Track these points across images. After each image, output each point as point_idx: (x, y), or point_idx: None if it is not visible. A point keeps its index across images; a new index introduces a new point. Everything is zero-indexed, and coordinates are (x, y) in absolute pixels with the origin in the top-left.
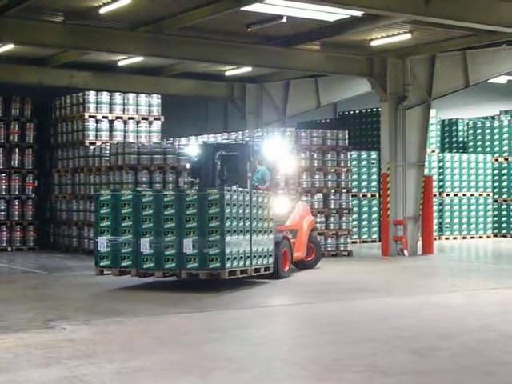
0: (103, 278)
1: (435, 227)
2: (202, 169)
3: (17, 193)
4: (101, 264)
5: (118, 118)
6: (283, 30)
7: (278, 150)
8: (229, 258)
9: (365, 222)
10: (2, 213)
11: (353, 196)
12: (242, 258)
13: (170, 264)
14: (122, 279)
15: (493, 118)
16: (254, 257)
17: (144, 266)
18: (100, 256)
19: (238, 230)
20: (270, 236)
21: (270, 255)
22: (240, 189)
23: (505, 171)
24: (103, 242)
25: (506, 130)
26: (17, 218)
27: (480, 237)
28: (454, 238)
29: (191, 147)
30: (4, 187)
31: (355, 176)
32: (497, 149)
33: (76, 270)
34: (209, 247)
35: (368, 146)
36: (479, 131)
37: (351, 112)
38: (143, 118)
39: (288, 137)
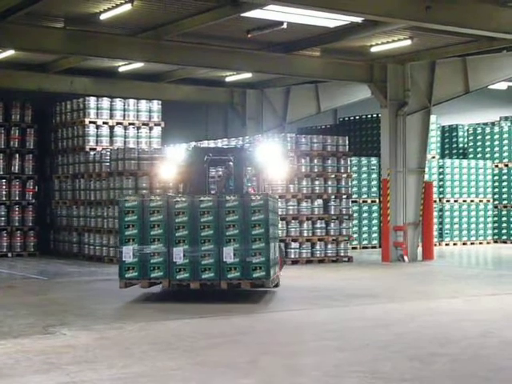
0: (103, 283)
1: (435, 233)
2: (191, 174)
3: (17, 198)
4: (126, 275)
5: (118, 123)
6: (283, 36)
7: (269, 155)
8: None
9: (365, 228)
10: (3, 218)
11: (353, 202)
12: (272, 266)
13: (208, 274)
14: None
15: (493, 124)
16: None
17: (177, 277)
18: (125, 267)
19: (273, 236)
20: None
21: (277, 262)
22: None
23: (505, 177)
24: (129, 252)
25: (506, 136)
26: (17, 224)
27: (480, 243)
28: (454, 244)
29: (178, 151)
30: (4, 193)
31: (355, 182)
32: (497, 155)
33: (76, 276)
34: (252, 255)
35: (368, 151)
36: (479, 137)
37: (351, 118)
38: (143, 124)
39: (257, 141)
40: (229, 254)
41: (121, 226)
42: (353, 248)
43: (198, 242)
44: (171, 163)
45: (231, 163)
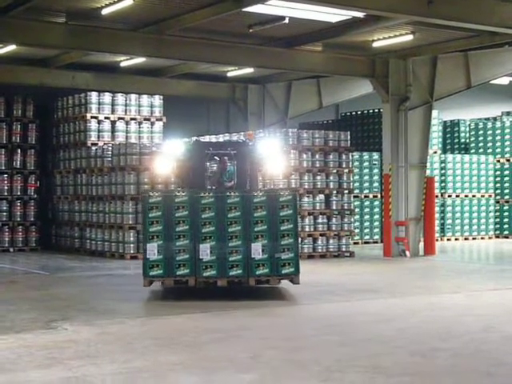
0: (105, 278)
1: (437, 228)
2: (191, 168)
3: (19, 193)
4: (151, 273)
5: (120, 118)
6: (285, 30)
7: (270, 150)
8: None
9: (367, 223)
10: (4, 213)
11: (355, 197)
12: None
13: (236, 271)
14: (121, 280)
15: (495, 119)
16: None
17: (204, 274)
18: (149, 265)
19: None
20: None
21: None
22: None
23: (506, 172)
24: (153, 249)
25: (507, 131)
26: (19, 219)
27: (482, 238)
28: (456, 239)
29: (176, 145)
30: (6, 188)
31: (357, 177)
32: (498, 150)
33: (78, 271)
34: (281, 251)
35: (370, 146)
36: (481, 132)
37: (353, 113)
38: (145, 119)
39: (248, 135)
40: (257, 250)
41: (145, 222)
42: (354, 243)
43: (226, 238)
44: (170, 158)
45: (225, 157)
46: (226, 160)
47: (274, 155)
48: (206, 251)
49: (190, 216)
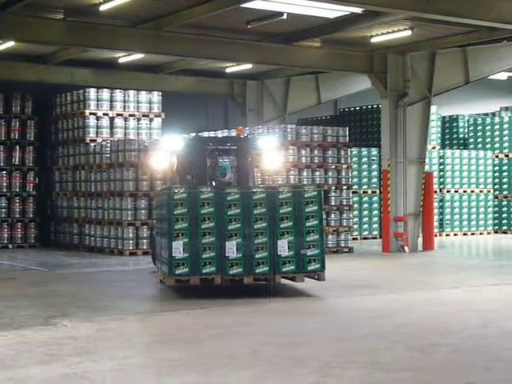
0: (104, 275)
1: (436, 224)
2: (193, 165)
3: (18, 190)
4: (177, 272)
5: (118, 115)
6: (283, 26)
7: (267, 145)
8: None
9: (365, 219)
10: (3, 210)
11: (353, 193)
12: None
13: (263, 268)
14: (120, 277)
15: (493, 114)
16: None
17: (230, 272)
18: (175, 263)
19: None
20: None
21: None
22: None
23: (505, 167)
24: (179, 247)
25: (506, 126)
26: (18, 216)
27: (480, 233)
28: (455, 235)
29: (175, 141)
30: (5, 184)
31: (356, 173)
32: (497, 145)
33: (77, 268)
34: (307, 248)
35: (368, 142)
36: (480, 127)
37: (352, 109)
38: (144, 115)
39: (237, 130)
40: (283, 247)
41: (170, 219)
42: (353, 239)
43: (252, 235)
44: (169, 153)
45: (217, 153)
46: (217, 155)
47: (272, 150)
48: (232, 248)
49: (215, 213)
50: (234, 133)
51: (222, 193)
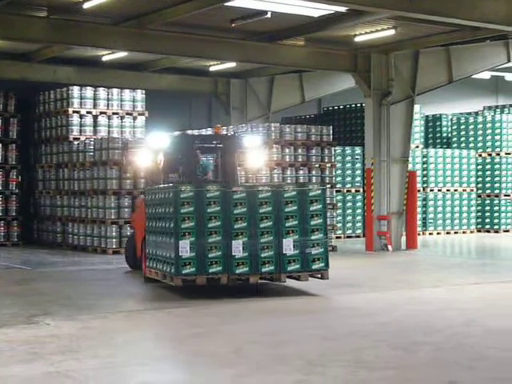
0: (87, 273)
1: (419, 222)
2: (179, 162)
3: (0, 188)
4: (183, 272)
5: (102, 113)
6: (267, 25)
7: (253, 144)
8: None
9: (349, 218)
10: None
11: (337, 191)
12: None
13: (268, 267)
14: (103, 275)
15: (476, 113)
16: None
17: (237, 271)
18: (182, 263)
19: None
20: None
21: None
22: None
23: (488, 167)
24: (185, 247)
25: (489, 125)
26: (0, 214)
27: (463, 232)
28: (438, 234)
29: (160, 138)
30: None
31: (339, 171)
32: (480, 144)
33: (60, 266)
34: (311, 246)
35: (352, 141)
36: (463, 127)
37: (335, 107)
38: (127, 114)
39: (215, 129)
40: (289, 245)
41: (176, 218)
42: (337, 237)
43: (258, 233)
44: (155, 151)
45: (198, 151)
46: (198, 153)
47: (256, 149)
48: (238, 248)
49: (221, 211)
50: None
51: (227, 191)
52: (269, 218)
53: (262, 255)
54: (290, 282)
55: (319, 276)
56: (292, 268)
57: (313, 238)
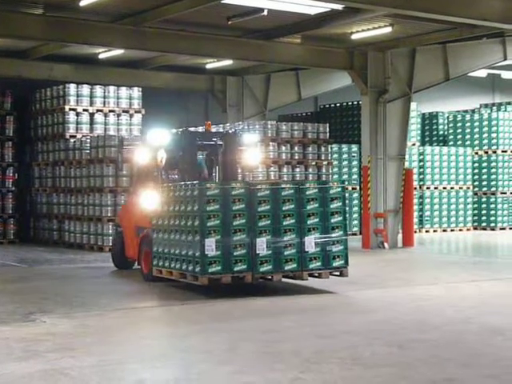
0: (84, 271)
1: (415, 220)
2: (182, 160)
3: None
4: (210, 270)
5: (98, 110)
6: (264, 22)
7: (252, 141)
8: None
9: None
10: None
11: None
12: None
13: (291, 265)
14: (100, 273)
15: (473, 111)
16: None
17: (261, 270)
18: (208, 261)
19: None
20: None
21: None
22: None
23: (485, 164)
24: (211, 245)
25: (485, 123)
26: None
27: (460, 230)
28: (434, 231)
29: (161, 136)
30: None
31: (336, 169)
32: (477, 142)
33: (56, 264)
34: (331, 244)
35: (349, 139)
36: (459, 124)
37: (332, 105)
38: (124, 111)
39: (206, 125)
40: (310, 243)
41: (202, 216)
42: None
43: (281, 231)
44: (155, 148)
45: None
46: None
47: (254, 146)
48: (262, 246)
49: (246, 209)
50: (214, 129)
51: (252, 189)
52: (291, 216)
53: (285, 253)
54: (283, 281)
55: (338, 274)
56: (313, 265)
57: (333, 235)
